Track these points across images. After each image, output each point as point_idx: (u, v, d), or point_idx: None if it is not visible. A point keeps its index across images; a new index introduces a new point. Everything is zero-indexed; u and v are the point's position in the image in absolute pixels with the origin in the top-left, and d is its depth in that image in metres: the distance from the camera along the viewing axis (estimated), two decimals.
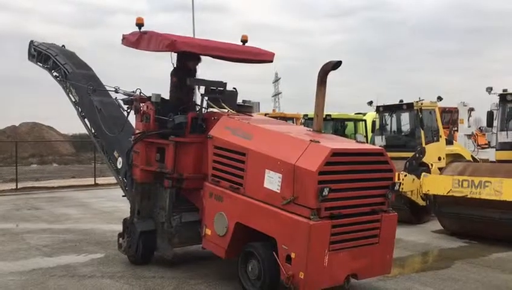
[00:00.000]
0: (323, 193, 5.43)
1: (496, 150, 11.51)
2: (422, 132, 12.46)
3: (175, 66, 7.81)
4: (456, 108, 20.68)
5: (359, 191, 5.93)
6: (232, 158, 6.56)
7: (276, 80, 70.62)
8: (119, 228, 8.02)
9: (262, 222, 6.00)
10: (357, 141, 7.08)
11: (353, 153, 5.96)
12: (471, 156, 14.76)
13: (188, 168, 7.26)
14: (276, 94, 69.43)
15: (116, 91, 8.62)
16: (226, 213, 6.52)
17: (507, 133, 11.14)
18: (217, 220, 6.64)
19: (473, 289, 6.76)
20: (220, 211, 6.60)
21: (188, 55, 7.71)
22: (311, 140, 5.89)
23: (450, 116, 22.03)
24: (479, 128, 23.88)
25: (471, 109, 20.66)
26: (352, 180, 5.85)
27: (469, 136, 19.03)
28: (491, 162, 11.95)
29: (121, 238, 7.92)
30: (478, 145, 18.91)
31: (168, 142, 7.29)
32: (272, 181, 5.91)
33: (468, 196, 9.51)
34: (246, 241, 6.33)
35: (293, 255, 5.58)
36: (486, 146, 19.19)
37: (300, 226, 5.51)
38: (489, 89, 11.40)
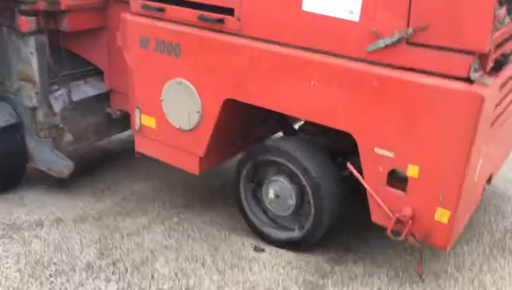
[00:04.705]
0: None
1: None
2: None
3: None
4: None
5: None
6: None
7: None
8: None
9: (307, 98, 2.49)
10: None
11: None
12: None
13: None
14: None
15: None
16: (192, 82, 2.86)
17: None
18: (172, 98, 2.98)
19: None
20: (177, 78, 2.91)
21: None
22: None
23: None
24: None
25: None
26: None
27: None
28: None
29: None
30: None
31: None
32: None
33: None
34: (247, 139, 2.90)
35: (414, 173, 2.29)
36: None
37: (451, 102, 2.13)
38: None
